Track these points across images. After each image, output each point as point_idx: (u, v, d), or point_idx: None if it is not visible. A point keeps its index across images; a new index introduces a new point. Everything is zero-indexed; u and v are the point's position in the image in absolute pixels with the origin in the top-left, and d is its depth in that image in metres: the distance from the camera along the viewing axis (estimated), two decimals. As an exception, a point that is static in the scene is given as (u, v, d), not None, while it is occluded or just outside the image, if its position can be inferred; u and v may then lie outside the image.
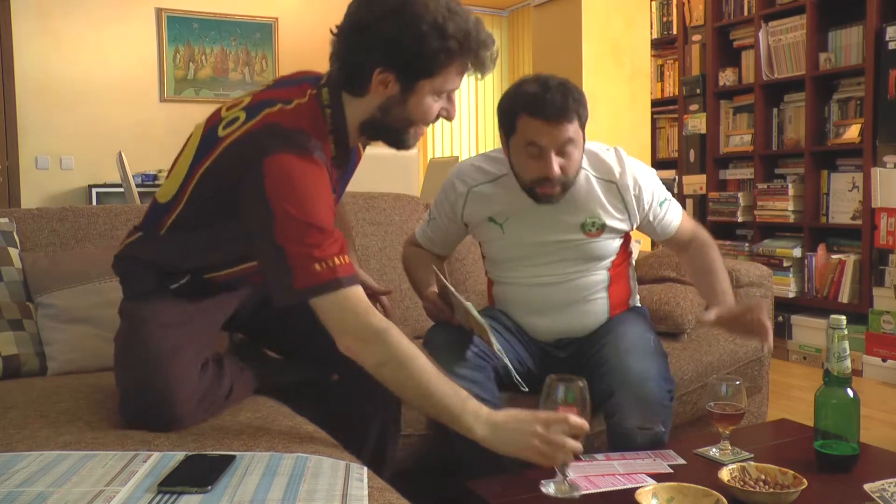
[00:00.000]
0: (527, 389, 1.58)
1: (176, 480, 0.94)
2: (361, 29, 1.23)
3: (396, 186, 2.99)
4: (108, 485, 0.94)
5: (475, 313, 1.54)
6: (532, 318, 1.77)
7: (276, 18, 5.99)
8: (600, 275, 1.75)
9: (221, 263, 1.35)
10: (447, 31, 1.20)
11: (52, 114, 5.26)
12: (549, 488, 1.27)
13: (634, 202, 1.71)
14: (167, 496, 0.90)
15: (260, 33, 5.97)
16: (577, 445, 1.19)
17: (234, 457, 1.03)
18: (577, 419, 1.19)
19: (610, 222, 1.70)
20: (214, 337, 1.44)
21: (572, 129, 1.55)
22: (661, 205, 1.74)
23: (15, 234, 1.85)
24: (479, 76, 1.31)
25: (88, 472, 0.98)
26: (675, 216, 1.78)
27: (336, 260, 1.16)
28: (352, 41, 1.25)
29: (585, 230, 1.70)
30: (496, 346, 1.56)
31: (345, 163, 1.40)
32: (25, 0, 5.14)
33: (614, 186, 1.70)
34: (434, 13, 1.20)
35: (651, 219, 1.74)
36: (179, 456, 1.04)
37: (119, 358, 1.35)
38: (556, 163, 1.56)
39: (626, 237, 1.81)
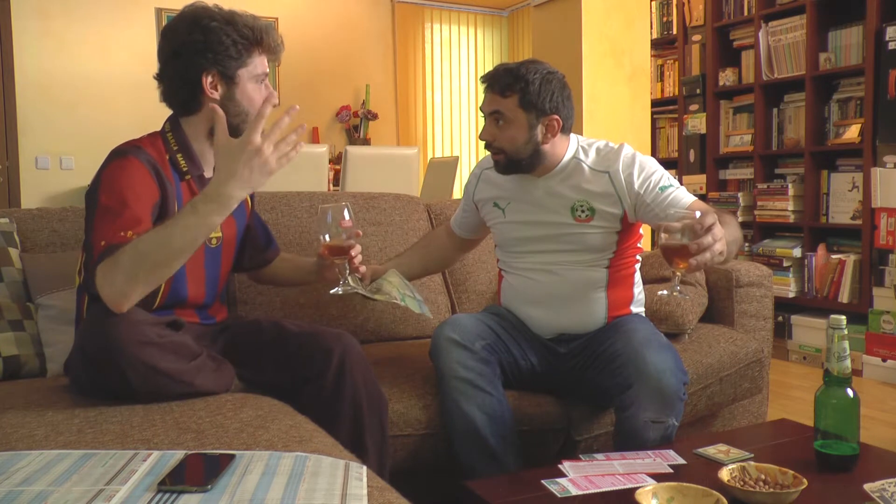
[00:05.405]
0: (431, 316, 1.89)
1: (175, 479, 0.94)
2: (178, 53, 1.48)
3: (396, 186, 3.00)
4: (107, 484, 0.94)
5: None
6: (532, 310, 1.81)
7: (276, 18, 5.99)
8: (599, 272, 1.77)
9: None
10: (237, 24, 1.47)
11: (52, 114, 5.25)
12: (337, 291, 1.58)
13: (624, 183, 1.71)
14: (167, 495, 0.90)
15: (260, 33, 5.97)
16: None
17: (233, 455, 1.03)
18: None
19: (599, 205, 1.73)
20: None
21: (503, 103, 1.69)
22: (662, 189, 1.69)
23: (15, 234, 1.85)
24: (275, 59, 1.54)
25: (88, 471, 0.98)
26: (683, 197, 1.68)
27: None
28: (177, 67, 1.49)
29: (575, 215, 1.74)
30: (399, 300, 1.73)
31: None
32: (25, 0, 5.14)
33: (606, 176, 1.73)
34: (220, 14, 1.48)
35: (648, 202, 1.68)
36: (179, 455, 1.04)
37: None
38: (487, 129, 1.73)
39: (630, 238, 1.81)
